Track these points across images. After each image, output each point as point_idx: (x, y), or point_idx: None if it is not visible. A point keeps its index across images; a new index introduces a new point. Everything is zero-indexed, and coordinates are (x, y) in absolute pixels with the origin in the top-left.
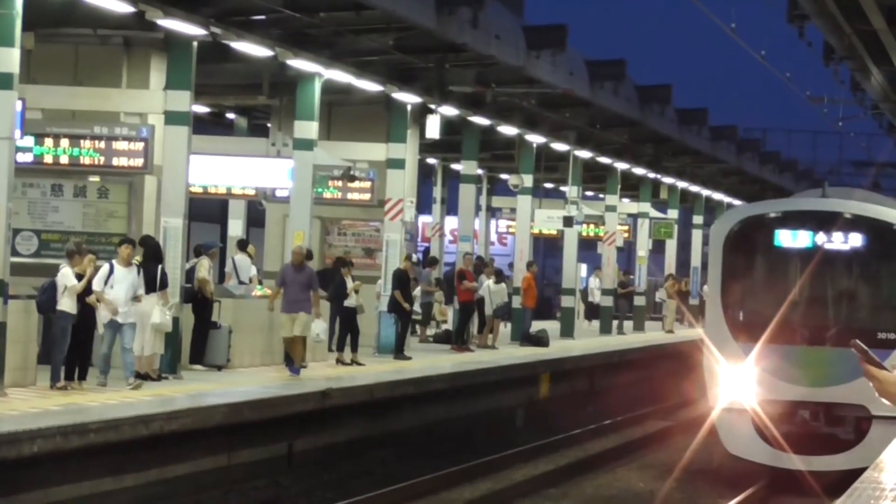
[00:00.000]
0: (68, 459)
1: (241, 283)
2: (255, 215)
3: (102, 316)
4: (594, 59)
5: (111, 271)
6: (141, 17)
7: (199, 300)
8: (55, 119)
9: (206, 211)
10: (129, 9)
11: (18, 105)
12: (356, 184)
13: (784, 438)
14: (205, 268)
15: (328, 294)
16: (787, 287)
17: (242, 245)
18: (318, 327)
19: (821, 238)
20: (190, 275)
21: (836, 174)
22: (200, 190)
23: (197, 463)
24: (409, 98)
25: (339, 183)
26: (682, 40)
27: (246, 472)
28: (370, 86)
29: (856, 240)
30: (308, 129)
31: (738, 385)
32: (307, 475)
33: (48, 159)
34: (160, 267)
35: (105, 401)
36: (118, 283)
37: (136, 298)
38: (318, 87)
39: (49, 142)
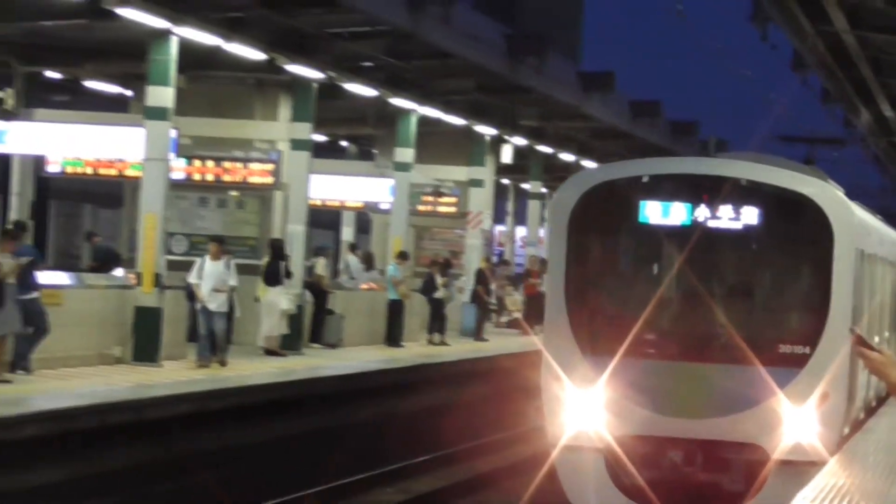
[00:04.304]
0: (209, 418)
1: (351, 278)
2: (363, 223)
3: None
4: (635, 99)
5: (202, 265)
6: (271, 63)
7: (317, 291)
8: (202, 144)
9: (324, 219)
10: (262, 56)
11: (173, 133)
12: (444, 199)
13: (650, 489)
14: (321, 265)
15: (420, 288)
16: (655, 280)
17: (352, 248)
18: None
19: (702, 213)
20: (310, 270)
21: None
22: (319, 202)
23: (313, 422)
24: (486, 130)
25: (431, 198)
26: (710, 81)
27: (356, 430)
28: (455, 119)
29: (751, 215)
30: (405, 154)
31: (586, 415)
32: (405, 432)
33: (196, 177)
34: (283, 263)
35: (241, 371)
36: (206, 276)
37: (217, 290)
38: (413, 120)
39: (197, 163)
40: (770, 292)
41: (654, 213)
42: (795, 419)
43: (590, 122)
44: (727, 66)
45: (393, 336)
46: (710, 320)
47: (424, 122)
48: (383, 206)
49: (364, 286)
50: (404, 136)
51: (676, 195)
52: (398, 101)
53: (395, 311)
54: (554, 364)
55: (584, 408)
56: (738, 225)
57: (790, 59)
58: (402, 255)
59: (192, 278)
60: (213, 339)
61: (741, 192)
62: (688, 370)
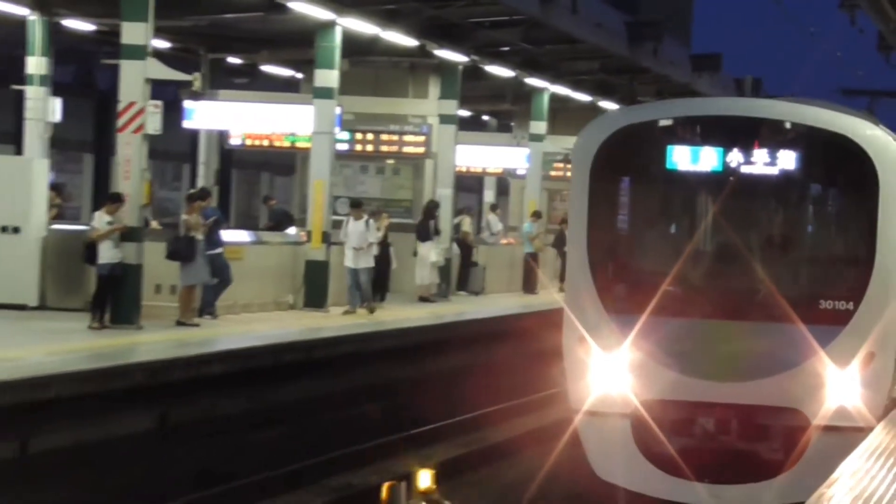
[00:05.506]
0: (367, 357)
1: (492, 234)
2: (503, 187)
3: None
4: (740, 77)
5: (346, 225)
6: (422, 49)
7: (463, 245)
8: (363, 119)
9: (468, 184)
10: (414, 43)
11: (338, 110)
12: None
13: (681, 458)
14: (466, 223)
15: (552, 242)
16: (685, 232)
17: (493, 208)
18: None
19: (735, 157)
20: (456, 228)
21: None
22: (464, 169)
23: (457, 360)
24: (610, 105)
25: (561, 165)
26: (805, 61)
27: (498, 366)
28: (582, 96)
29: (788, 159)
30: (539, 127)
31: (612, 378)
32: (541, 366)
33: (358, 148)
34: (433, 222)
35: (397, 315)
36: (350, 234)
37: (356, 248)
38: (546, 97)
39: (359, 135)
40: (809, 243)
41: (683, 158)
42: (838, 381)
43: None
44: (820, 48)
45: (529, 284)
46: (745, 275)
47: (555, 98)
48: (520, 172)
49: (504, 241)
50: (538, 111)
51: (707, 139)
52: (532, 81)
53: (531, 262)
54: (577, 324)
55: (609, 370)
56: (774, 170)
57: (876, 42)
58: (537, 214)
59: (341, 237)
60: (361, 289)
61: (777, 134)
62: (721, 329)
